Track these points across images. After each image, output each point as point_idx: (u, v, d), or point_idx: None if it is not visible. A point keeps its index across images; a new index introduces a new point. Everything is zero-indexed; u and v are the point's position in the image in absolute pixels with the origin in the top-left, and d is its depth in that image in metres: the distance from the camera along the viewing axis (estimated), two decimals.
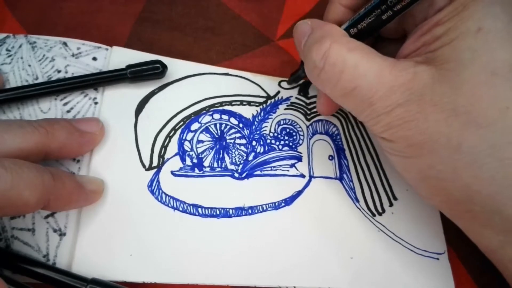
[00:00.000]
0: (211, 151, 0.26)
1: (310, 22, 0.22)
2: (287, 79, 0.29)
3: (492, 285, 0.24)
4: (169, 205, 0.24)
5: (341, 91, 0.20)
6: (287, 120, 0.27)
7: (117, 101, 0.26)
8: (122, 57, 0.27)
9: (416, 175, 0.20)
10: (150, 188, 0.24)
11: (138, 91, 0.27)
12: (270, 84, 0.28)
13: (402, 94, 0.18)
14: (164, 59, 0.27)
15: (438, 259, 0.24)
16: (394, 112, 0.19)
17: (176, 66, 0.28)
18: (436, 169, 0.18)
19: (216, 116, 0.27)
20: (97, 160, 0.24)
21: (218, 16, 0.30)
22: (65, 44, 0.27)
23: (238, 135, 0.26)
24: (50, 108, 0.26)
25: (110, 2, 0.30)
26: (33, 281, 0.21)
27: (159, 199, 0.24)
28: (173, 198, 0.24)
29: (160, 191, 0.24)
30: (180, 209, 0.24)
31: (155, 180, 0.24)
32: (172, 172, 0.25)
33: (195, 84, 0.28)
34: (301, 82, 0.28)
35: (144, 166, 0.25)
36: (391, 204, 0.25)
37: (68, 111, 0.26)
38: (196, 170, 0.25)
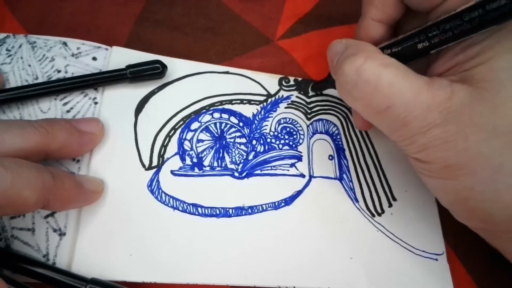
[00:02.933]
0: (211, 150, 0.26)
1: (344, 41, 0.21)
2: (287, 76, 0.29)
3: (492, 285, 0.24)
4: (169, 205, 0.24)
5: (374, 109, 0.19)
6: (288, 119, 0.27)
7: (117, 101, 0.26)
8: (122, 57, 0.27)
9: (454, 196, 0.19)
10: (149, 188, 0.24)
11: (138, 91, 0.27)
12: (270, 82, 0.28)
13: (439, 113, 0.18)
14: (164, 59, 0.27)
15: (436, 259, 0.24)
16: (430, 132, 0.18)
17: (175, 66, 0.27)
18: (476, 190, 0.18)
19: (216, 115, 0.27)
20: (97, 159, 0.24)
21: (218, 16, 0.30)
22: (65, 44, 0.27)
23: (238, 134, 0.26)
24: (50, 108, 0.26)
25: (110, 2, 0.30)
26: (33, 281, 0.21)
27: (159, 199, 0.24)
28: (173, 198, 0.24)
29: (160, 190, 0.24)
30: (180, 208, 0.24)
31: (155, 179, 0.24)
32: (172, 172, 0.25)
33: (195, 83, 0.28)
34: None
35: (143, 165, 0.25)
36: (390, 205, 0.26)
37: (68, 111, 0.26)
38: (196, 170, 0.25)
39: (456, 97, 0.18)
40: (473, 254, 0.25)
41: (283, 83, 0.29)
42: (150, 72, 0.26)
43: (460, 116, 0.18)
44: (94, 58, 0.27)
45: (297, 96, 0.28)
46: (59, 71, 0.27)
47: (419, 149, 0.19)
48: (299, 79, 0.29)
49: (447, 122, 0.18)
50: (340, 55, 0.21)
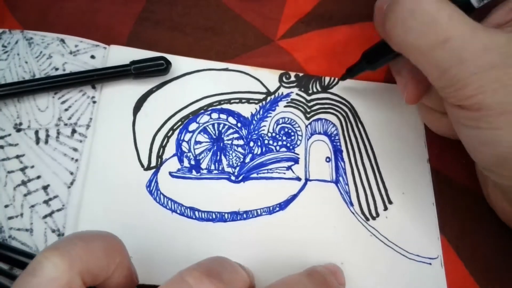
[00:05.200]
0: (208, 152, 0.26)
1: None
2: (288, 72, 0.28)
3: (494, 286, 0.24)
4: (167, 207, 0.24)
5: (430, 41, 0.18)
6: (286, 119, 0.27)
7: (115, 100, 0.26)
8: (120, 55, 0.27)
9: (504, 150, 0.18)
10: (148, 189, 0.24)
11: (136, 89, 0.27)
12: (270, 78, 0.28)
13: (499, 55, 0.17)
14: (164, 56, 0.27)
15: (430, 264, 0.24)
16: (488, 73, 0.17)
17: (175, 63, 0.27)
18: None
19: (214, 115, 0.27)
20: (96, 159, 0.24)
21: (218, 16, 0.30)
22: (62, 41, 0.27)
23: (236, 135, 0.27)
24: (48, 106, 0.25)
25: (110, 2, 0.29)
26: None
27: (157, 200, 0.24)
28: (171, 200, 0.24)
29: (159, 192, 0.24)
30: (178, 211, 0.24)
31: (154, 180, 0.25)
32: (170, 173, 0.25)
33: (194, 81, 0.27)
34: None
35: (142, 166, 0.25)
36: (385, 208, 0.26)
37: (66, 110, 0.26)
38: (194, 172, 0.25)
39: None
40: (475, 255, 0.25)
41: (284, 79, 0.28)
42: (155, 69, 0.26)
43: None
44: (92, 56, 0.27)
45: (297, 94, 0.28)
46: (56, 69, 0.26)
47: (473, 93, 0.18)
48: (300, 74, 0.29)
49: (507, 65, 0.17)
50: None
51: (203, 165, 0.25)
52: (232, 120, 0.27)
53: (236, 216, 0.24)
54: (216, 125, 0.27)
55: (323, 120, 0.28)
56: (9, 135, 0.25)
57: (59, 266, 0.14)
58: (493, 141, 0.19)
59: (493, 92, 0.17)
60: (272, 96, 0.28)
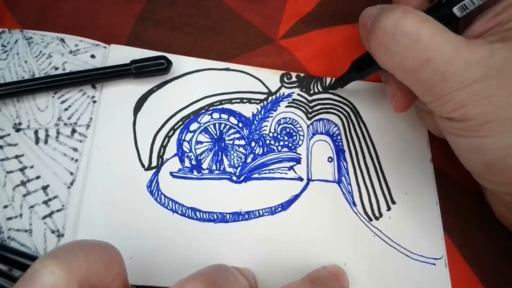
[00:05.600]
0: (209, 152, 0.26)
1: (379, 6, 0.21)
2: (289, 72, 0.28)
3: (498, 286, 0.24)
4: (168, 207, 0.24)
5: (412, 62, 0.19)
6: (288, 119, 0.27)
7: (115, 99, 0.26)
8: (120, 55, 0.27)
9: (490, 156, 0.19)
10: (149, 189, 0.24)
11: (136, 89, 0.26)
12: (272, 78, 0.28)
13: (479, 69, 0.18)
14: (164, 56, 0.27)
15: (434, 264, 0.24)
16: (471, 87, 0.18)
17: (175, 63, 0.27)
18: None
19: (216, 115, 0.27)
20: (96, 159, 0.24)
21: (219, 16, 0.30)
22: (62, 40, 0.27)
23: (237, 135, 0.26)
24: (47, 106, 0.25)
25: (110, 2, 0.29)
26: None
27: (158, 201, 0.24)
28: (172, 201, 0.24)
29: (159, 192, 0.24)
30: (179, 212, 0.24)
31: (154, 180, 0.24)
32: (171, 173, 0.25)
33: (194, 81, 0.27)
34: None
35: (143, 166, 0.25)
36: (389, 208, 0.25)
37: (66, 109, 0.25)
38: (195, 172, 0.25)
39: (497, 54, 0.18)
40: (479, 255, 0.25)
41: (285, 79, 0.28)
42: (155, 68, 0.26)
43: (502, 72, 0.18)
44: (93, 56, 0.27)
45: (298, 94, 0.28)
46: (56, 68, 0.26)
47: (457, 106, 0.19)
48: (302, 75, 0.29)
49: (488, 78, 0.18)
50: (375, 16, 0.20)
51: (204, 165, 0.25)
52: (233, 120, 0.27)
53: (237, 216, 0.24)
54: (217, 125, 0.26)
55: (325, 120, 0.28)
56: (9, 135, 0.24)
57: (57, 275, 0.14)
58: (480, 148, 0.19)
59: (475, 104, 0.18)
60: (274, 96, 0.28)
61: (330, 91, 0.28)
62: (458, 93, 0.18)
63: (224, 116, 0.27)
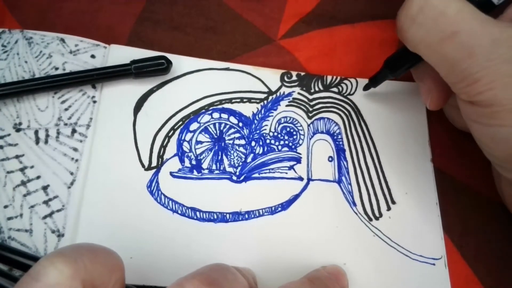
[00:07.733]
0: (209, 152, 0.26)
1: None
2: (290, 71, 0.28)
3: (498, 286, 0.24)
4: (168, 207, 0.24)
5: (438, 34, 0.18)
6: (288, 118, 0.27)
7: (115, 99, 0.26)
8: (120, 55, 0.27)
9: None
10: (149, 189, 0.24)
11: (136, 89, 0.26)
12: (272, 77, 0.28)
13: (508, 49, 0.17)
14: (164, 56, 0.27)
15: (434, 264, 0.24)
16: (499, 68, 0.17)
17: (175, 63, 0.27)
18: None
19: (216, 115, 0.27)
20: (96, 159, 0.24)
21: (219, 16, 0.30)
22: (62, 40, 0.27)
23: (237, 135, 0.26)
24: (47, 106, 0.25)
25: (110, 2, 0.29)
26: None
27: (158, 201, 0.24)
28: (172, 201, 0.24)
29: (159, 192, 0.24)
30: (179, 212, 0.24)
31: (154, 180, 0.24)
32: (171, 173, 0.25)
33: (195, 81, 0.27)
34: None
35: (143, 166, 0.25)
36: (389, 208, 0.25)
37: (66, 109, 0.25)
38: (195, 172, 0.25)
39: None
40: (479, 255, 0.25)
41: (285, 78, 0.28)
42: (155, 68, 0.26)
43: None
44: (93, 56, 0.27)
45: (299, 93, 0.28)
46: (56, 68, 0.26)
47: (484, 88, 0.18)
48: (302, 73, 0.29)
49: None
50: None
51: (204, 165, 0.25)
52: (233, 119, 0.27)
53: (237, 216, 0.24)
54: (217, 125, 0.26)
55: (326, 119, 0.28)
56: (9, 135, 0.24)
57: (63, 273, 0.14)
58: (505, 138, 0.18)
59: (505, 87, 0.17)
60: (274, 96, 0.28)
61: (331, 89, 0.28)
62: (485, 72, 0.17)
63: (224, 115, 0.27)
